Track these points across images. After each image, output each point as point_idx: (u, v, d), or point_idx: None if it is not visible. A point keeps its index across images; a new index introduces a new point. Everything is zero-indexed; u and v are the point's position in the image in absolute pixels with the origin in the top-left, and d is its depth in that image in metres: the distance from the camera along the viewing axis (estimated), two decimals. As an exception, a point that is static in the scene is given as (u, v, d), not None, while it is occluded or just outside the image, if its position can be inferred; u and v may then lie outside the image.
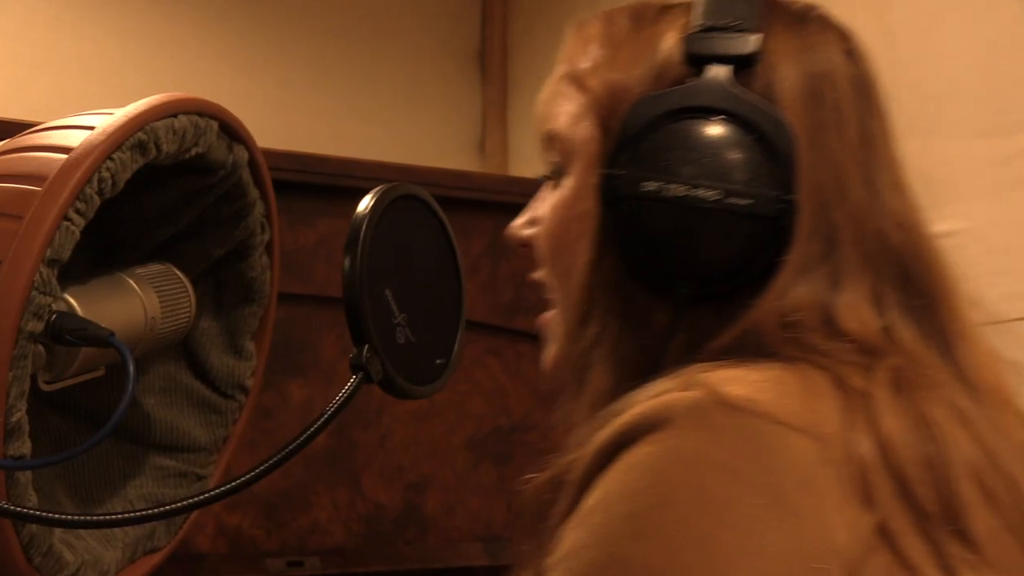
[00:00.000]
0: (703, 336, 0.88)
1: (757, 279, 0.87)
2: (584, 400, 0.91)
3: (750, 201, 0.86)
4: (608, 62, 0.95)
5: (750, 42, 0.90)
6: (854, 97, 0.93)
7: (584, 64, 0.97)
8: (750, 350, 0.85)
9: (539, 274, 1.01)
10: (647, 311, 0.90)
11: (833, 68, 0.93)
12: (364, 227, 0.97)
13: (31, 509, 0.99)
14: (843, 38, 0.96)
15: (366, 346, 0.96)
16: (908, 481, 0.77)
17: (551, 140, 0.99)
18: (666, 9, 0.97)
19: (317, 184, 1.56)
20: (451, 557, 1.64)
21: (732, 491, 0.74)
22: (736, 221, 0.86)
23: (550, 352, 1.00)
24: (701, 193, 0.85)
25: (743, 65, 0.90)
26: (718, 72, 0.89)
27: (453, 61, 3.16)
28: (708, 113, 0.88)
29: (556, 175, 0.99)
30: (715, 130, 0.87)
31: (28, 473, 1.01)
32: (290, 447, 0.94)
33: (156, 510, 0.96)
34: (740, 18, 0.91)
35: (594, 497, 0.78)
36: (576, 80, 0.97)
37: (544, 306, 1.02)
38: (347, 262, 0.96)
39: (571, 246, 0.95)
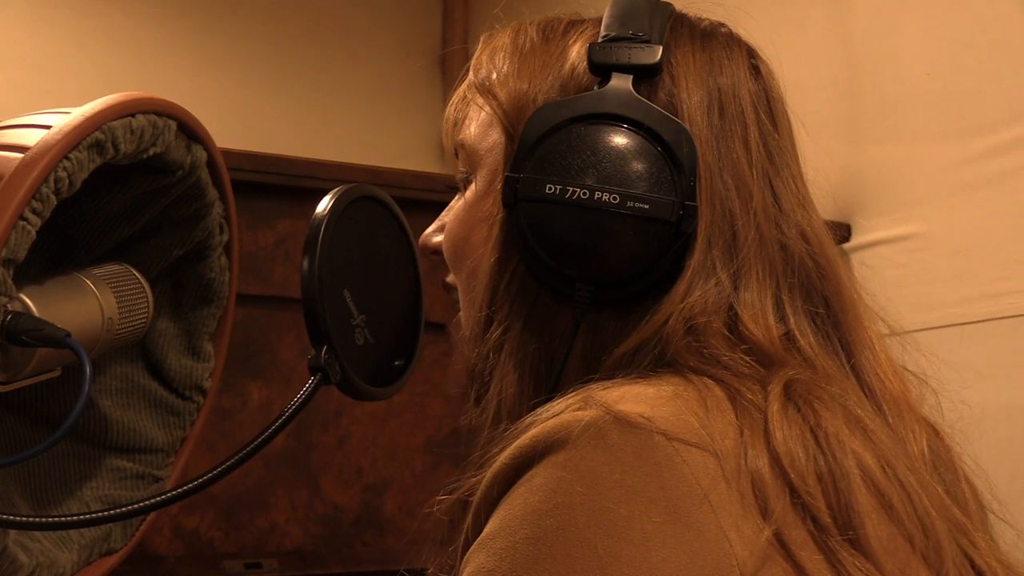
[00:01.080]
0: (607, 340, 0.90)
1: (659, 284, 0.89)
2: (490, 405, 0.92)
3: (647, 206, 0.87)
4: (515, 72, 0.97)
5: (653, 52, 0.92)
6: (758, 112, 0.95)
7: (492, 74, 0.98)
8: (652, 358, 0.86)
9: (450, 278, 1.03)
10: (550, 314, 0.92)
11: (737, 83, 0.95)
12: (323, 228, 0.97)
13: (-15, 511, 0.98)
14: (750, 55, 0.98)
15: (325, 347, 0.96)
16: (802, 492, 0.78)
17: (459, 149, 1.01)
18: (574, 23, 0.99)
19: (276, 185, 1.56)
20: (410, 559, 1.64)
21: (631, 509, 0.74)
22: (635, 225, 0.87)
23: (455, 360, 1.02)
24: (601, 197, 0.87)
25: (646, 75, 0.92)
26: (621, 81, 0.91)
27: (414, 61, 3.16)
28: (610, 120, 0.90)
29: (464, 183, 1.01)
30: (616, 136, 0.89)
31: (-18, 475, 1.00)
32: (248, 448, 0.93)
33: (112, 512, 0.95)
34: (644, 30, 0.93)
35: (496, 520, 0.78)
36: (483, 89, 0.98)
37: (455, 310, 1.04)
38: (306, 263, 0.95)
39: (474, 250, 0.97)
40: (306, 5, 3.00)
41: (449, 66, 3.19)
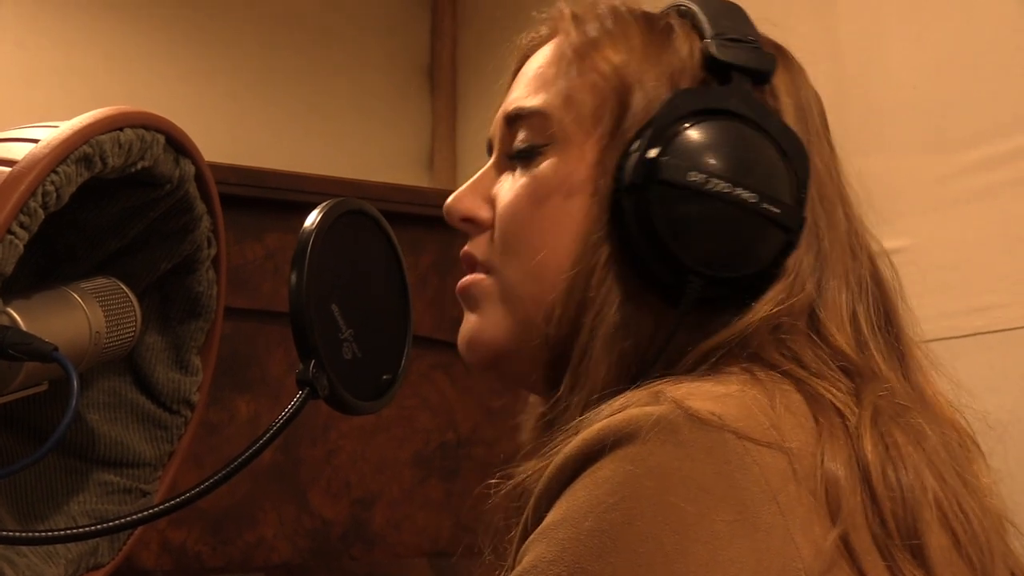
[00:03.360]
0: (699, 335, 0.89)
1: (757, 285, 0.89)
2: (582, 392, 0.90)
3: (779, 210, 0.88)
4: (626, 48, 0.95)
5: (768, 59, 0.93)
6: (826, 129, 0.98)
7: (591, 43, 0.96)
8: (729, 353, 0.86)
9: (480, 253, 1.01)
10: (645, 304, 0.91)
11: (811, 100, 0.97)
12: (311, 242, 0.97)
13: (-28, 526, 0.97)
14: (806, 73, 1.00)
15: (312, 361, 0.95)
16: (876, 500, 0.79)
17: (529, 116, 0.98)
18: (670, 13, 0.99)
19: (264, 199, 1.56)
20: (398, 573, 1.64)
21: (699, 507, 0.74)
22: (763, 226, 0.88)
23: (489, 321, 1.00)
24: (741, 193, 0.87)
25: (761, 80, 0.93)
26: (743, 82, 0.92)
27: (402, 75, 3.17)
28: (743, 120, 0.90)
29: (527, 154, 0.98)
30: (753, 138, 0.89)
31: (-31, 489, 1.00)
32: (236, 462, 0.93)
33: (100, 526, 0.95)
34: (753, 35, 0.94)
35: (559, 511, 0.77)
36: (581, 56, 0.96)
37: (469, 270, 1.01)
38: (294, 277, 0.95)
39: (540, 226, 0.95)
40: (294, 18, 3.00)
41: (437, 78, 3.19)
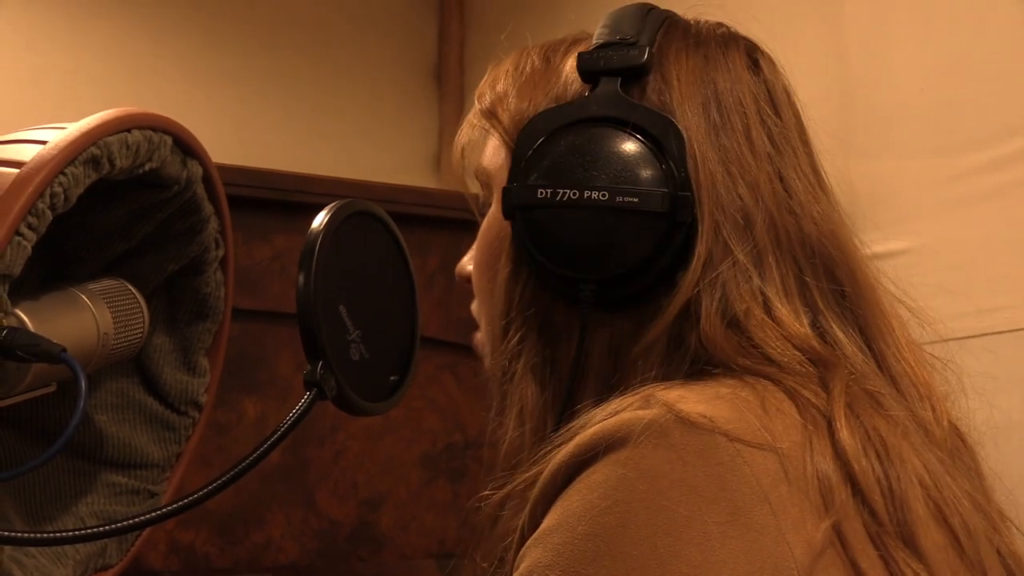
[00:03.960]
0: (625, 339, 0.91)
1: (669, 277, 0.89)
2: (511, 412, 0.94)
3: (637, 199, 0.88)
4: (516, 93, 0.99)
5: (639, 54, 0.93)
6: (759, 104, 0.96)
7: (495, 99, 1.01)
8: (694, 357, 0.87)
9: (474, 305, 1.06)
10: (562, 320, 0.93)
11: (735, 79, 0.96)
12: (319, 243, 0.97)
13: (-20, 526, 0.98)
14: (748, 51, 1.00)
15: (320, 362, 0.96)
16: (862, 490, 0.79)
17: (476, 176, 1.04)
18: (577, 42, 1.01)
19: (272, 200, 1.56)
20: (405, 574, 1.64)
21: (691, 509, 0.74)
22: (628, 219, 0.88)
23: (485, 373, 1.04)
24: (590, 195, 0.88)
25: (633, 77, 0.93)
26: (609, 83, 0.93)
27: (410, 77, 3.17)
28: (594, 121, 0.92)
29: (485, 207, 1.03)
30: (601, 136, 0.91)
31: (-22, 490, 1.00)
32: (244, 463, 0.93)
33: (108, 527, 0.95)
34: (631, 34, 0.95)
35: (554, 516, 0.78)
36: (487, 114, 1.01)
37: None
38: (301, 278, 0.96)
39: (490, 267, 0.99)
40: (302, 20, 3.00)
41: (445, 80, 3.20)
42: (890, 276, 0.99)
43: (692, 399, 0.80)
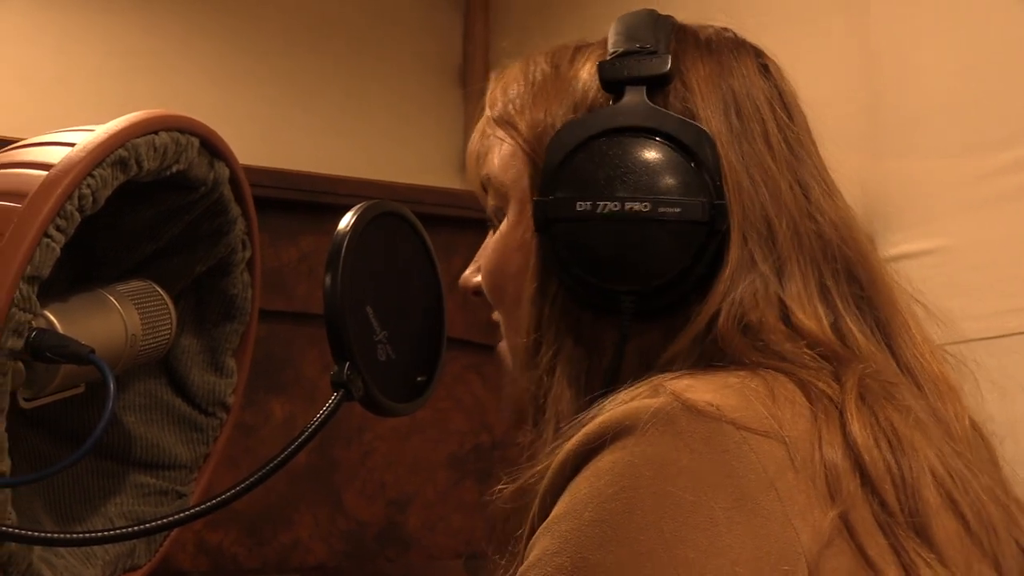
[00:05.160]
0: (655, 346, 0.90)
1: (700, 284, 0.89)
2: (548, 426, 0.93)
3: (679, 209, 0.88)
4: (531, 102, 0.99)
5: (662, 62, 0.93)
6: (773, 108, 0.96)
7: (508, 107, 1.00)
8: (714, 359, 0.87)
9: (495, 314, 1.04)
10: (596, 330, 0.93)
11: (749, 83, 0.96)
12: (345, 244, 0.97)
13: (10, 527, 0.98)
14: (757, 55, 1.00)
15: (347, 363, 0.96)
16: (872, 481, 0.79)
17: (486, 184, 1.03)
18: (581, 48, 1.01)
19: (299, 201, 1.56)
20: (432, 574, 1.64)
21: (697, 495, 0.75)
22: (670, 230, 0.88)
23: (507, 386, 1.03)
24: (632, 207, 0.88)
25: (659, 85, 0.93)
26: (635, 94, 0.92)
27: (435, 78, 3.17)
28: (629, 132, 0.91)
29: (496, 217, 1.02)
30: (638, 146, 0.90)
31: (7, 491, 1.01)
32: (271, 464, 0.94)
33: (136, 528, 0.96)
34: (650, 42, 0.95)
35: (562, 505, 0.79)
36: (502, 122, 1.00)
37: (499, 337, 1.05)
38: (328, 279, 0.96)
39: (512, 280, 0.98)
40: (326, 21, 3.00)
41: (470, 82, 3.19)
42: (905, 276, 0.99)
43: (700, 388, 0.80)
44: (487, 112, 1.03)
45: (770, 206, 0.91)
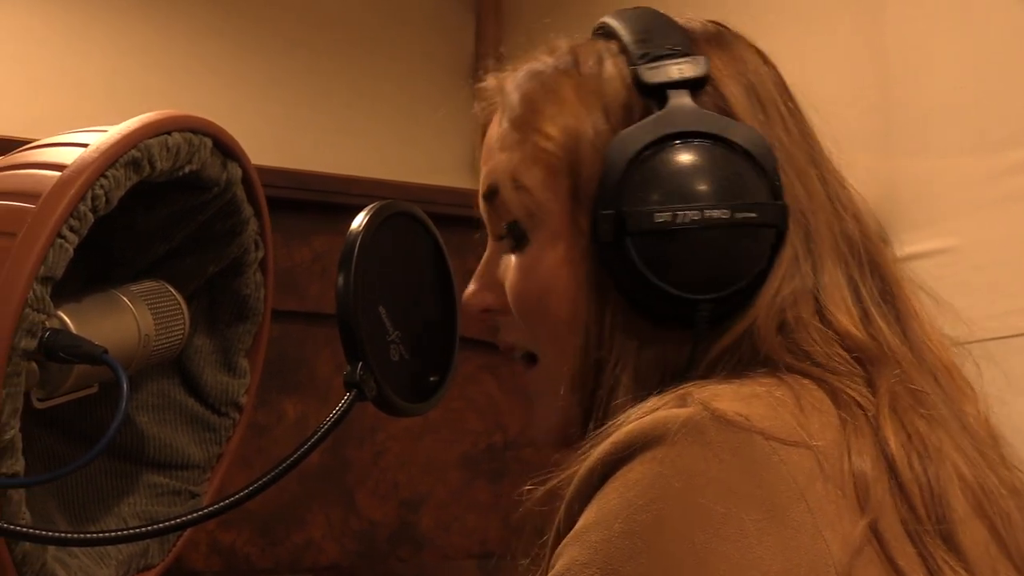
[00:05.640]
0: (705, 346, 0.89)
1: (754, 283, 0.88)
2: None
3: (755, 214, 0.87)
4: (557, 110, 0.95)
5: (699, 64, 0.92)
6: (784, 97, 0.96)
7: (536, 116, 0.96)
8: (745, 356, 0.86)
9: (513, 338, 1.00)
10: (660, 341, 0.90)
11: (761, 75, 0.95)
12: (358, 244, 0.97)
13: (24, 527, 0.98)
14: (754, 46, 0.98)
15: (360, 363, 0.96)
16: (903, 488, 0.79)
17: (495, 194, 0.99)
18: (577, 48, 0.98)
19: (311, 201, 1.56)
20: (445, 574, 1.64)
21: (727, 506, 0.74)
22: (747, 235, 0.87)
23: (544, 410, 0.99)
24: (712, 215, 0.86)
25: (699, 87, 0.91)
26: (679, 96, 0.90)
27: (446, 78, 3.17)
28: (690, 137, 0.89)
29: (514, 234, 0.98)
30: (703, 152, 0.88)
31: (21, 491, 1.01)
32: (284, 464, 0.94)
33: (150, 527, 0.96)
34: (678, 44, 0.93)
35: (591, 514, 0.78)
36: (522, 129, 0.96)
37: (518, 365, 1.01)
38: (341, 279, 0.96)
39: (559, 298, 0.94)
40: (338, 22, 3.01)
41: (481, 81, 3.19)
42: (916, 275, 0.99)
43: (728, 397, 0.80)
44: (505, 123, 0.99)
45: (806, 202, 0.91)
